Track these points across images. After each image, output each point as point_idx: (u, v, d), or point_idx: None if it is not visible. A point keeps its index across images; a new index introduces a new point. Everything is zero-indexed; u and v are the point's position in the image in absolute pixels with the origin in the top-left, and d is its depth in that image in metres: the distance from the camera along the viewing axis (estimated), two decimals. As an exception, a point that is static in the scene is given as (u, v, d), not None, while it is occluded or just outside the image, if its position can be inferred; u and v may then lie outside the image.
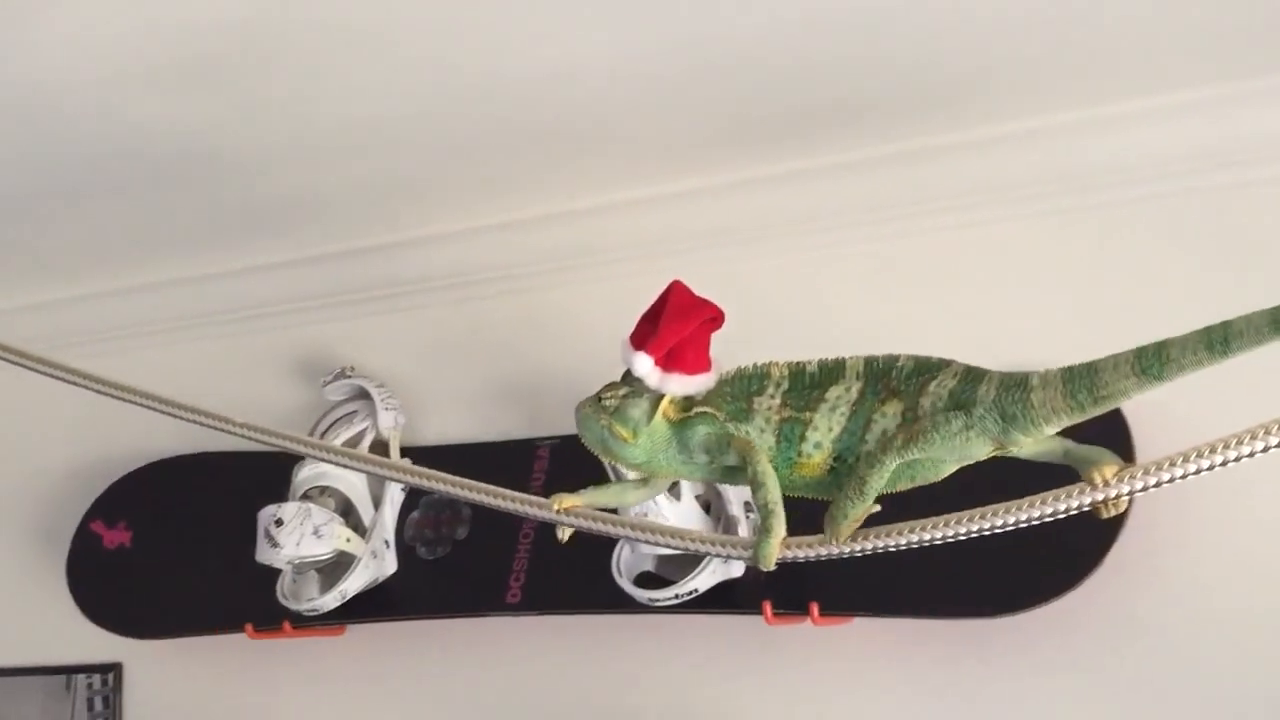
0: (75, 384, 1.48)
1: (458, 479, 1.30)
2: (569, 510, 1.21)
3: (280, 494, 2.10)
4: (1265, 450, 0.93)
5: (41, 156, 1.86)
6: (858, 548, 1.08)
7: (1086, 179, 1.81)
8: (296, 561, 2.04)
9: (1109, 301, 1.80)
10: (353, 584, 2.06)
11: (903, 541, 1.05)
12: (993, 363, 1.10)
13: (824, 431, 1.11)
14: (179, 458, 2.37)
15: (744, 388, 1.16)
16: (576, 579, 1.95)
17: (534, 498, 1.25)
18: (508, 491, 1.27)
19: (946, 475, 1.10)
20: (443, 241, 2.20)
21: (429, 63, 1.61)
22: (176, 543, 2.31)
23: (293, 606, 2.08)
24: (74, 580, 2.35)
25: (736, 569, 1.85)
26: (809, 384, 1.14)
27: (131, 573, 2.33)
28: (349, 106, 1.74)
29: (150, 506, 2.37)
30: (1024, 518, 1.01)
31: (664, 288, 1.18)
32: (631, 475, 1.26)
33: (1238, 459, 0.93)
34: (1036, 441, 1.06)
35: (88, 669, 2.42)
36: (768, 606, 1.81)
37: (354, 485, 2.14)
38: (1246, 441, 0.93)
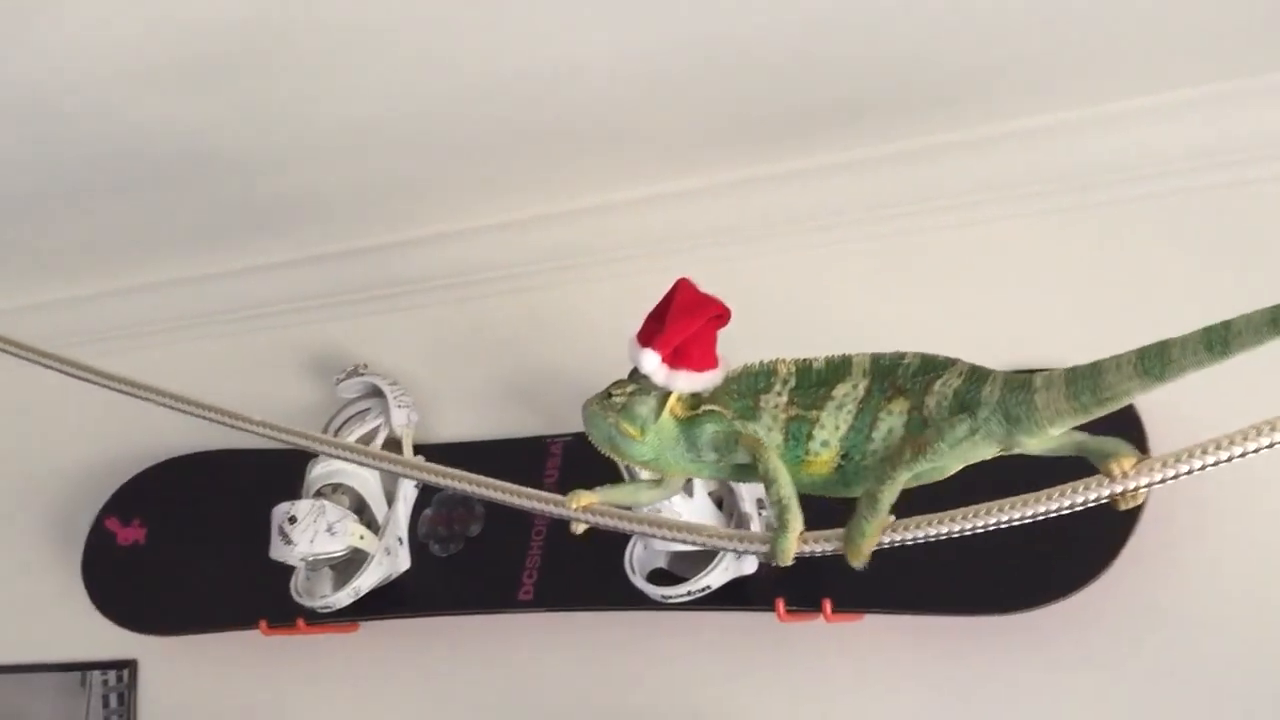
0: (95, 382, 1.48)
1: (476, 476, 1.30)
2: (585, 508, 1.21)
3: (294, 491, 2.11)
4: (1284, 442, 0.94)
5: (44, 156, 1.87)
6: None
7: (1088, 178, 1.81)
8: (310, 558, 2.05)
9: (1110, 300, 1.80)
10: (366, 581, 2.06)
11: (923, 535, 1.05)
12: (995, 361, 1.10)
13: (831, 430, 1.11)
14: (193, 455, 2.38)
15: (751, 385, 1.16)
16: (589, 576, 1.96)
17: (551, 495, 1.25)
18: (525, 489, 1.27)
19: (951, 474, 1.10)
20: (448, 240, 2.21)
21: (433, 63, 1.62)
22: (190, 540, 2.32)
23: (306, 603, 2.09)
24: (89, 577, 2.36)
25: (749, 566, 1.85)
26: (815, 382, 1.14)
27: (146, 570, 2.34)
28: (351, 106, 1.74)
29: (164, 504, 2.37)
30: (1043, 510, 1.01)
31: (671, 285, 1.18)
32: (644, 474, 1.26)
33: (1257, 450, 0.93)
34: (1043, 440, 1.06)
35: (102, 665, 2.43)
36: (780, 603, 1.81)
37: (367, 482, 2.14)
38: (1266, 433, 0.93)
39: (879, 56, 1.62)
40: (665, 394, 1.16)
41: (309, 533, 2.03)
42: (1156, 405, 1.44)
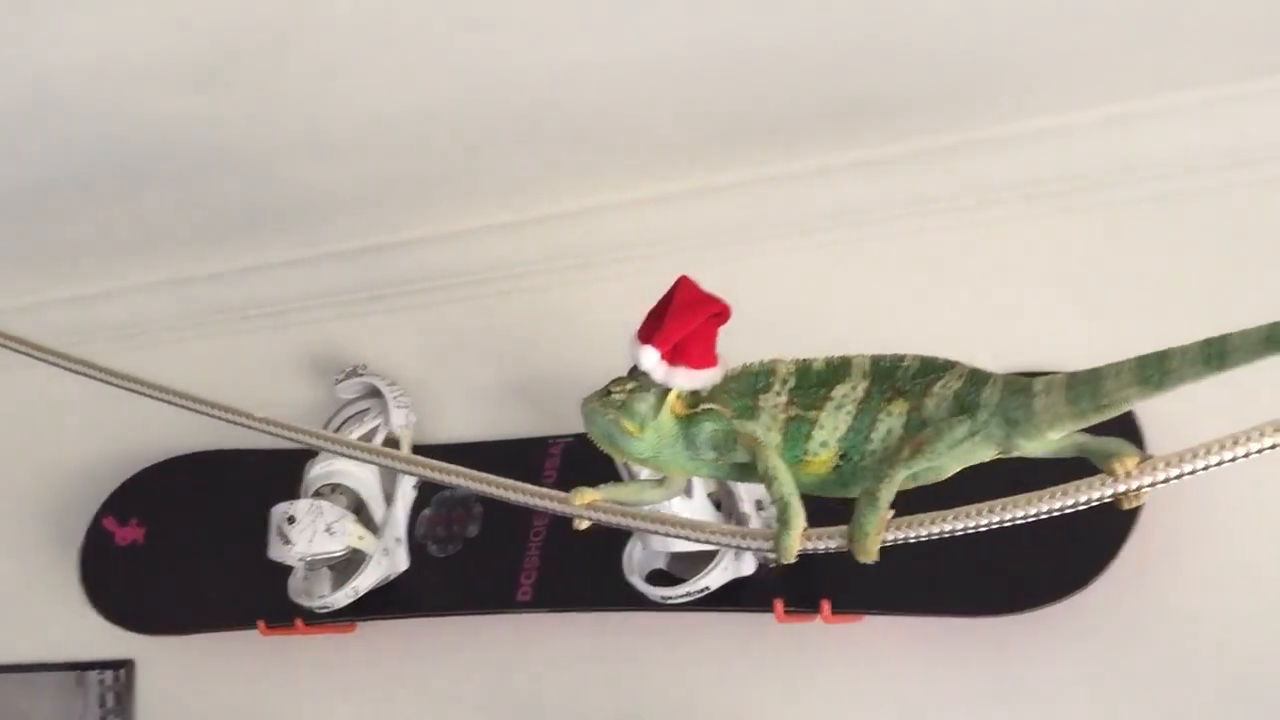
0: (98, 379, 1.48)
1: (480, 474, 1.29)
2: (589, 505, 1.21)
3: (292, 492, 2.11)
4: (1286, 443, 0.94)
5: (53, 154, 1.87)
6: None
7: (1095, 178, 1.81)
8: (309, 559, 2.05)
9: (1117, 301, 1.80)
10: (364, 581, 2.06)
11: (926, 533, 1.05)
12: (997, 363, 1.11)
13: (829, 430, 1.11)
14: (191, 455, 2.38)
15: (750, 384, 1.16)
16: (587, 577, 1.96)
17: (554, 492, 1.25)
18: (529, 486, 1.27)
19: (949, 475, 1.10)
20: (448, 240, 2.20)
21: (436, 63, 1.61)
22: (189, 540, 2.31)
23: (304, 603, 2.09)
24: (86, 577, 2.36)
25: (748, 567, 1.86)
26: (815, 381, 1.14)
27: (143, 569, 2.34)
28: (360, 105, 1.74)
29: (162, 503, 2.37)
30: (1047, 509, 1.01)
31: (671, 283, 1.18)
32: (645, 474, 1.26)
33: (1260, 451, 0.93)
34: (1041, 444, 1.06)
35: (100, 665, 2.43)
36: (779, 604, 1.81)
37: (366, 483, 2.14)
38: (1269, 434, 0.93)
39: (882, 58, 1.62)
40: (665, 391, 1.16)
41: (307, 533, 2.03)
42: (1154, 408, 1.44)
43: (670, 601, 1.85)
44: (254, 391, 2.26)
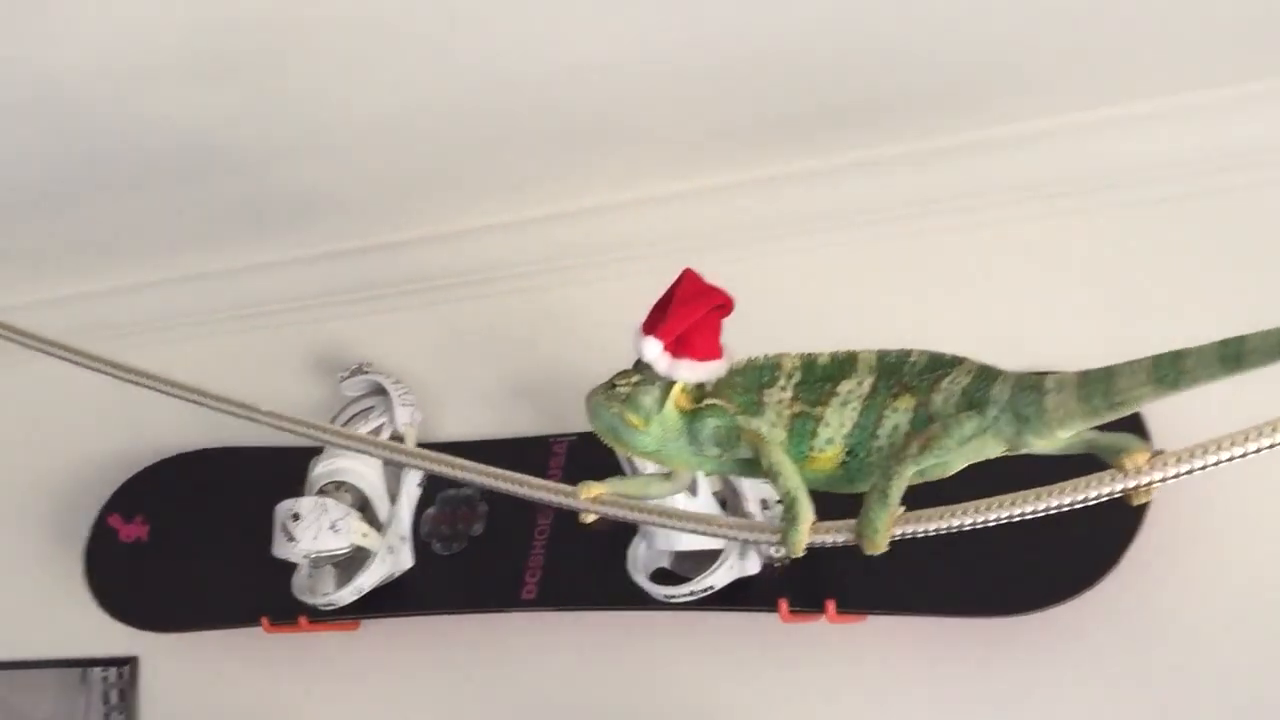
0: (107, 373, 1.47)
1: (488, 468, 1.29)
2: (595, 498, 1.21)
3: (297, 489, 2.11)
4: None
5: (57, 151, 1.87)
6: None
7: (1105, 179, 1.81)
8: (313, 556, 2.05)
9: (1127, 302, 1.80)
10: (368, 579, 2.06)
11: (934, 528, 1.04)
12: (1004, 362, 1.10)
13: (835, 427, 1.11)
14: (196, 452, 2.38)
15: (755, 379, 1.16)
16: (592, 575, 1.96)
17: (561, 485, 1.24)
18: (535, 480, 1.26)
19: (955, 471, 1.10)
20: (452, 239, 2.20)
21: (440, 62, 1.61)
22: (193, 537, 2.31)
23: (308, 601, 2.08)
24: (91, 574, 2.36)
25: (752, 566, 1.85)
26: (820, 377, 1.13)
27: (148, 566, 2.33)
28: (365, 103, 1.74)
29: (167, 501, 2.37)
30: (1056, 504, 1.00)
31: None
32: (650, 468, 1.26)
33: (1272, 447, 0.93)
34: (1051, 441, 1.06)
35: (103, 662, 2.42)
36: (784, 604, 1.81)
37: (370, 480, 2.14)
38: (1281, 429, 0.93)
39: (882, 58, 1.62)
40: (669, 384, 1.16)
41: (312, 530, 2.03)
42: (1159, 404, 1.43)
43: (675, 600, 1.85)
44: (257, 390, 2.22)
